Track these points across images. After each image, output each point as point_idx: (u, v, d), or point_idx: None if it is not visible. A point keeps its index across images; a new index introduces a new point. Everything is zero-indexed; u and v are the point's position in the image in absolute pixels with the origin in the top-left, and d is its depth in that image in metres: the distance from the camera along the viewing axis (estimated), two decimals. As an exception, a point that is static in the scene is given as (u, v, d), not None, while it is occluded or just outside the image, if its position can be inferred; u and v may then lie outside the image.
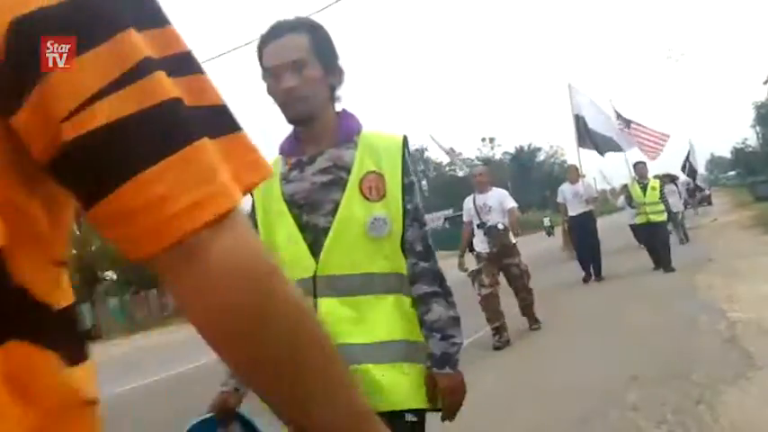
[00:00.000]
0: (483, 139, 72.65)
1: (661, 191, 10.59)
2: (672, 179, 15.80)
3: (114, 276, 46.68)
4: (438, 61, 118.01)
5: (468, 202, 7.42)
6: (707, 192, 35.49)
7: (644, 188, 10.59)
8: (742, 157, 66.81)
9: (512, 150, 72.71)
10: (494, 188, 7.44)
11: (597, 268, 10.53)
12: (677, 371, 4.45)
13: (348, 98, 1.78)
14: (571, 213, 10.42)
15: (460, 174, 69.11)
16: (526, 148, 73.98)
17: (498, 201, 7.20)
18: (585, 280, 10.50)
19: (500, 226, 6.94)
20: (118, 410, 7.46)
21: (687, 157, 20.77)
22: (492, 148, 72.13)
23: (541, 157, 73.51)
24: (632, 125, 13.17)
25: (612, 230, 15.81)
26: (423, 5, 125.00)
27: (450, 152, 14.65)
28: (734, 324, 5.56)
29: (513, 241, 7.14)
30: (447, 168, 75.12)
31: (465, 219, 7.54)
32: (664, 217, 10.51)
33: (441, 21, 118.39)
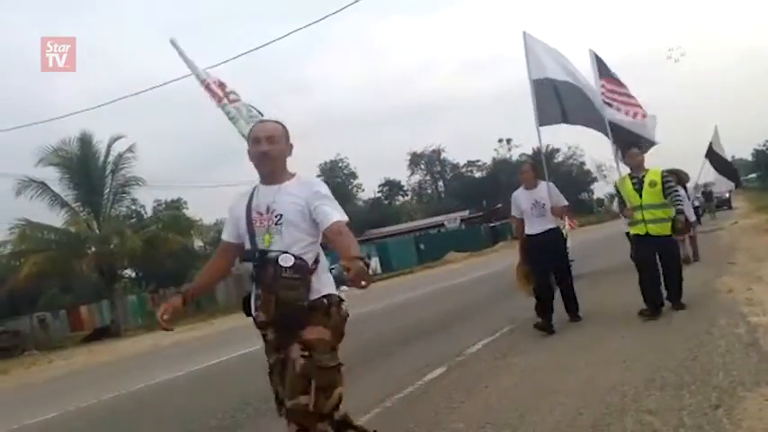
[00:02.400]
0: (500, 140, 72.36)
1: (666, 185, 6.92)
2: (680, 179, 11.30)
3: (133, 274, 47.27)
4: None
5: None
6: (726, 195, 35.09)
7: (638, 185, 7.01)
8: (763, 160, 65.91)
9: (529, 151, 72.38)
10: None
11: (571, 308, 7.53)
12: (696, 375, 4.41)
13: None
14: (528, 231, 7.29)
15: (477, 175, 69.05)
16: (545, 149, 73.58)
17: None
18: (542, 327, 6.99)
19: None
20: (137, 406, 7.53)
21: (710, 149, 15.18)
22: (509, 149, 71.85)
23: (559, 158, 73.04)
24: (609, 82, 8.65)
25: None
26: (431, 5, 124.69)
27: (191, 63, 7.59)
28: (755, 328, 5.50)
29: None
30: (464, 170, 74.96)
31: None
32: (670, 228, 6.93)
33: (452, 18, 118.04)
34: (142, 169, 29.51)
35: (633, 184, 7.01)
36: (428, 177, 77.14)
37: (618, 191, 7.40)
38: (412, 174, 76.00)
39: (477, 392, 4.97)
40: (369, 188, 71.87)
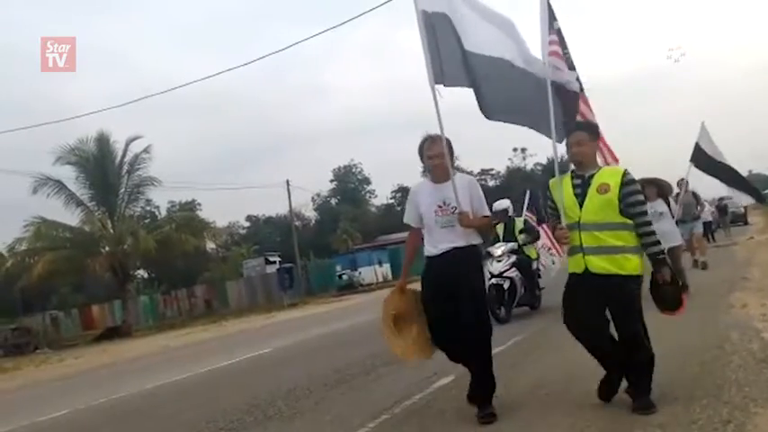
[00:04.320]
0: (515, 149, 72.11)
1: (626, 195, 4.12)
2: (661, 191, 9.59)
3: (146, 275, 47.54)
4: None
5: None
6: (741, 209, 34.55)
7: (581, 188, 4.28)
8: (781, 174, 65.26)
9: (544, 161, 72.13)
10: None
11: (482, 388, 4.61)
12: (707, 389, 4.37)
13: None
14: (429, 250, 4.70)
15: (491, 183, 68.89)
16: (559, 159, 73.28)
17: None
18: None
19: None
20: (146, 406, 7.56)
21: (698, 147, 11.09)
22: (524, 158, 71.63)
23: (573, 167, 72.69)
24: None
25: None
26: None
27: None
28: (768, 344, 5.44)
29: None
30: (478, 178, 74.78)
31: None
32: (634, 264, 4.12)
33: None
34: (157, 170, 29.75)
35: (574, 186, 4.26)
36: (441, 185, 77.14)
37: (551, 197, 4.50)
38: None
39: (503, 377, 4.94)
40: (382, 194, 71.88)
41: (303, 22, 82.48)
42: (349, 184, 67.04)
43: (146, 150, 28.16)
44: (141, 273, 44.49)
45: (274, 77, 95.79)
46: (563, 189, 4.33)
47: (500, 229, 10.21)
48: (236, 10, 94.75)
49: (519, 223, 10.43)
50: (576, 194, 4.24)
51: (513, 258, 9.78)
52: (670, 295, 4.27)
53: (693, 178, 11.59)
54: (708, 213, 16.52)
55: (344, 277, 36.49)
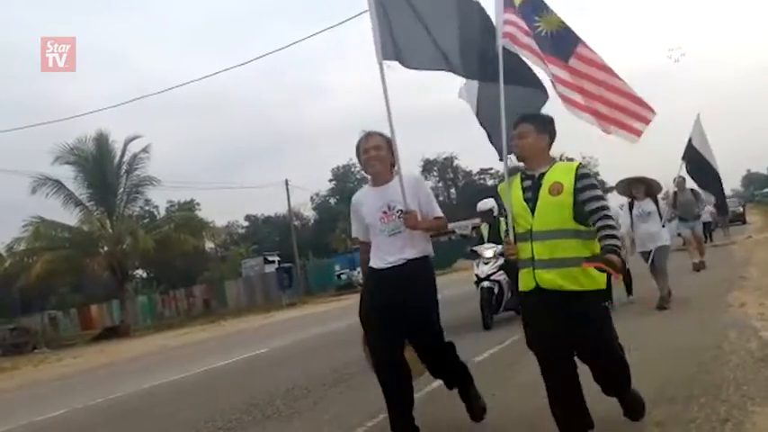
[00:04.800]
0: (514, 150, 72.26)
1: (582, 193, 3.39)
2: (649, 190, 8.99)
3: (144, 274, 47.51)
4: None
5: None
6: (740, 208, 34.61)
7: (532, 191, 3.56)
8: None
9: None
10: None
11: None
12: (705, 388, 4.37)
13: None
14: (376, 263, 4.11)
15: (490, 183, 68.84)
16: (559, 159, 73.24)
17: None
18: None
19: None
20: (144, 406, 7.55)
21: (691, 144, 10.13)
22: (523, 158, 71.60)
23: (573, 168, 72.68)
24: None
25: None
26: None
27: None
28: (766, 343, 5.44)
29: None
30: (477, 178, 74.86)
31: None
32: (595, 277, 3.39)
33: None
34: (156, 170, 29.73)
35: (524, 189, 3.58)
36: (440, 184, 76.97)
37: (502, 205, 4.15)
38: (425, 180, 76.10)
39: (495, 391, 4.94)
40: (381, 194, 71.83)
41: (302, 22, 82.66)
42: (348, 183, 66.94)
43: (144, 150, 28.15)
44: (140, 272, 44.48)
45: (273, 77, 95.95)
46: (512, 193, 3.63)
47: (485, 229, 9.87)
48: (236, 9, 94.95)
49: (504, 224, 10.07)
50: (526, 198, 3.53)
51: (501, 261, 9.23)
52: (614, 266, 3.18)
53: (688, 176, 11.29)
54: (707, 213, 16.15)
55: (343, 277, 36.46)
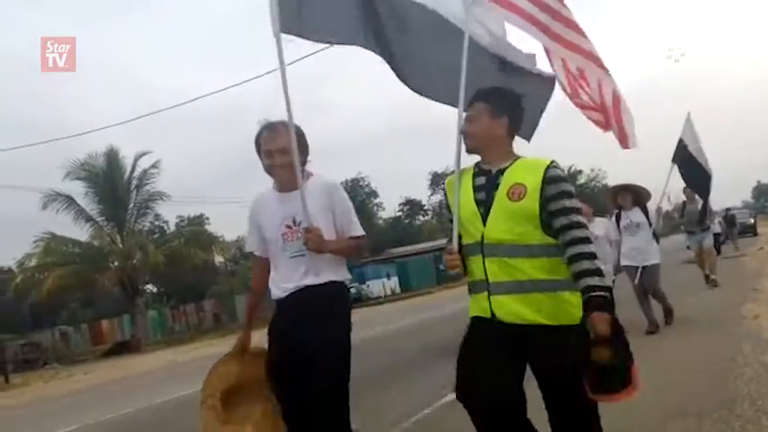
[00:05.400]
0: (520, 158, 72.29)
1: (551, 199, 2.54)
2: (638, 198, 8.13)
3: (155, 289, 47.63)
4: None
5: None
6: (751, 220, 34.45)
7: (486, 190, 2.69)
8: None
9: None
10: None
11: None
12: (719, 402, 4.32)
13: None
14: (275, 292, 3.28)
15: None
16: (566, 170, 73.15)
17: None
18: None
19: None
20: (155, 421, 7.55)
21: (681, 144, 8.74)
22: (531, 170, 71.56)
23: (582, 180, 72.58)
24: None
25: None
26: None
27: None
28: (780, 356, 5.40)
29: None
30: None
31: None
32: (570, 309, 2.51)
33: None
34: (166, 185, 29.91)
35: (476, 188, 2.74)
36: (449, 197, 77.17)
37: (446, 204, 2.95)
38: (433, 193, 75.98)
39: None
40: (389, 207, 71.98)
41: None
42: (357, 197, 67.08)
43: (154, 165, 28.33)
44: (150, 287, 44.61)
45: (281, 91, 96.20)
46: (461, 191, 2.75)
47: None
48: (247, 22, 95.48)
49: None
50: (477, 200, 2.67)
51: None
52: (608, 363, 2.35)
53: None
54: (717, 224, 15.64)
55: (353, 290, 36.43)
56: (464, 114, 2.82)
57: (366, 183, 70.73)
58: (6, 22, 68.23)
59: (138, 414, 8.27)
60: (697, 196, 11.08)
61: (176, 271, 32.57)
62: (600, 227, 7.98)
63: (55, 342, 30.40)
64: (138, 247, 27.33)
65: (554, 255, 2.54)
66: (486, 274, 2.60)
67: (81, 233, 27.87)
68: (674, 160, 8.62)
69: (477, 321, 2.68)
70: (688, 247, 12.87)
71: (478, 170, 2.77)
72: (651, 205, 8.24)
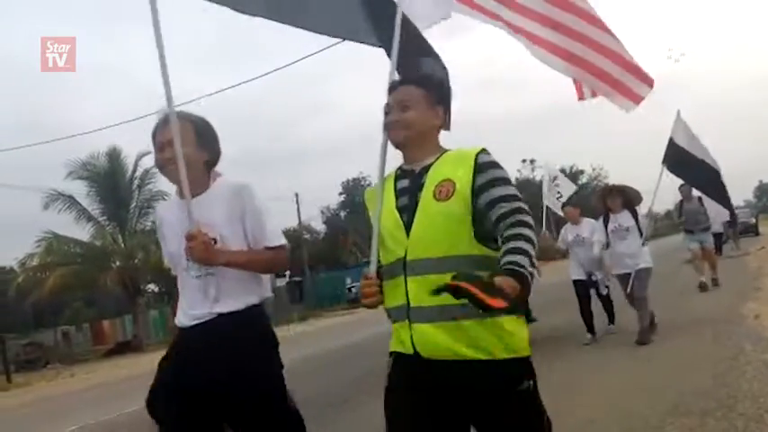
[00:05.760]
0: (523, 161, 72.15)
1: (483, 192, 2.05)
2: (627, 200, 7.74)
3: (156, 289, 47.65)
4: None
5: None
6: (752, 219, 34.40)
7: (410, 192, 2.19)
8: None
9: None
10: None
11: None
12: (721, 401, 4.32)
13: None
14: (179, 319, 2.72)
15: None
16: (568, 170, 73.24)
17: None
18: None
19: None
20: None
21: (672, 144, 8.22)
22: (533, 169, 71.56)
23: (584, 179, 72.63)
24: None
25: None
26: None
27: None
28: (782, 355, 5.40)
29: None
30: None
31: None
32: (512, 338, 2.03)
33: (478, 35, 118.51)
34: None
35: (399, 193, 2.24)
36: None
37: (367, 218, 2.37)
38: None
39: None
40: (391, 206, 72.04)
41: (308, 38, 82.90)
42: (358, 196, 67.12)
43: (156, 165, 28.38)
44: (152, 287, 44.62)
45: (285, 90, 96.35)
46: (384, 200, 2.25)
47: None
48: (249, 22, 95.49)
49: None
50: (400, 207, 2.17)
51: None
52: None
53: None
54: (719, 224, 15.28)
55: (354, 290, 36.44)
56: (398, 97, 2.24)
57: (367, 182, 70.72)
58: (7, 23, 68.35)
59: (140, 413, 8.27)
60: (695, 192, 10.69)
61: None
62: (587, 228, 7.89)
63: (57, 342, 30.40)
64: (140, 247, 27.34)
65: (485, 268, 1.92)
66: (407, 297, 2.07)
67: (83, 233, 27.89)
68: (664, 161, 8.16)
69: (398, 360, 2.15)
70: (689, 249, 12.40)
71: (401, 172, 2.28)
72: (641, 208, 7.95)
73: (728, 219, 12.40)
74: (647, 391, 4.96)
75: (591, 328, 7.79)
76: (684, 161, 8.23)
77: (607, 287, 7.90)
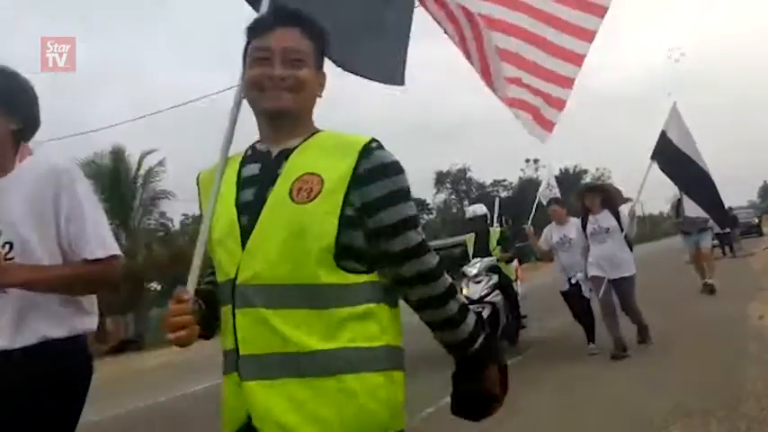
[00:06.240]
0: (527, 161, 72.13)
1: (382, 200, 1.46)
2: (607, 199, 7.15)
3: (159, 287, 47.72)
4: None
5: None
6: (755, 219, 34.34)
7: (256, 186, 1.54)
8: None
9: (556, 173, 72.00)
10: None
11: None
12: (724, 402, 4.32)
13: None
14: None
15: (503, 194, 68.82)
16: (572, 170, 73.16)
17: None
18: None
19: None
20: (160, 418, 7.57)
21: (664, 137, 7.63)
22: (536, 169, 71.51)
23: (587, 179, 72.57)
24: None
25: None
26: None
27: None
28: (786, 356, 5.39)
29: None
30: (490, 190, 74.88)
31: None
32: (380, 405, 1.54)
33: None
34: (171, 183, 29.99)
35: (242, 182, 1.57)
36: (453, 196, 77.03)
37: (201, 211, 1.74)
38: (437, 192, 76.09)
39: (500, 416, 4.92)
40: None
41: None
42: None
43: (160, 164, 28.41)
44: (155, 285, 44.68)
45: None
46: (221, 190, 1.61)
47: (470, 241, 8.32)
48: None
49: (495, 234, 8.35)
50: (241, 205, 1.54)
51: (495, 279, 7.66)
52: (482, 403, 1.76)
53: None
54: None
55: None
56: (285, 44, 1.55)
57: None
58: (7, 23, 68.43)
59: (142, 411, 8.30)
60: (679, 191, 9.80)
61: (181, 269, 32.65)
62: (574, 230, 7.29)
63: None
64: (144, 246, 27.41)
65: (345, 303, 1.43)
66: (234, 340, 1.47)
67: (86, 231, 27.96)
68: (653, 157, 7.51)
69: None
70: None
71: (251, 153, 1.63)
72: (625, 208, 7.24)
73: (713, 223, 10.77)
74: (650, 391, 4.95)
75: (592, 337, 7.14)
76: (674, 159, 7.58)
77: (591, 290, 7.05)
